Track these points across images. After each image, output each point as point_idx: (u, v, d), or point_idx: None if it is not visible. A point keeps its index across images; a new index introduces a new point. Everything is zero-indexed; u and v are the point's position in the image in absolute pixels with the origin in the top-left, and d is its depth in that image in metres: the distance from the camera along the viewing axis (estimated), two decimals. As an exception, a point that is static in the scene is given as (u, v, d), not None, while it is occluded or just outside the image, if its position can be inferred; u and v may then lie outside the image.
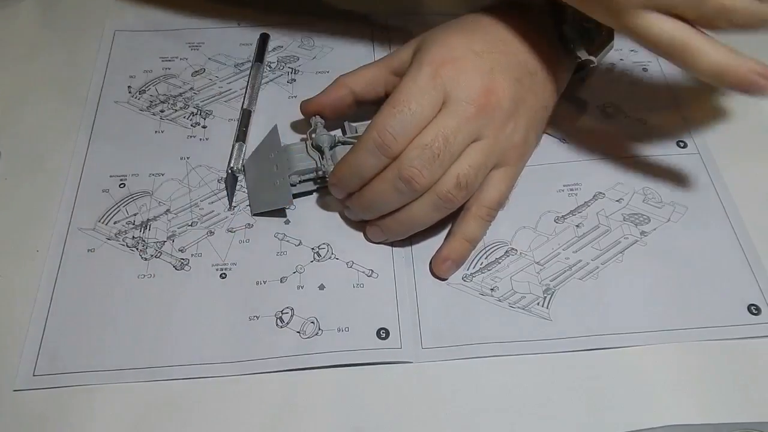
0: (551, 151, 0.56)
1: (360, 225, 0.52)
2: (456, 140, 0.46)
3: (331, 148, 0.52)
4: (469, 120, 0.46)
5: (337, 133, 0.54)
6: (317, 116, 0.54)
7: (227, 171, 0.55)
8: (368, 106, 0.54)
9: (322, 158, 0.52)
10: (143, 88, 0.61)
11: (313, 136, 0.52)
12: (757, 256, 0.50)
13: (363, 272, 0.50)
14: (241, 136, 0.56)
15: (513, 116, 0.49)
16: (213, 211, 0.53)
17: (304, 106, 0.55)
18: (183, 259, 0.51)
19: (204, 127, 0.58)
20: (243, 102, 0.59)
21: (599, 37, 0.53)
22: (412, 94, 0.46)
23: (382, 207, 0.48)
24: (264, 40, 0.64)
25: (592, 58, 0.53)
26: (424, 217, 0.48)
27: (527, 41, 0.50)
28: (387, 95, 0.53)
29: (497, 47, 0.49)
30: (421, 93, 0.46)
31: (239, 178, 0.55)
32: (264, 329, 0.47)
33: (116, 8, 0.67)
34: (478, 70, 0.47)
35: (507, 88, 0.48)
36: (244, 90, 0.60)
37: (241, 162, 0.55)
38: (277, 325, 0.47)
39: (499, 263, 0.50)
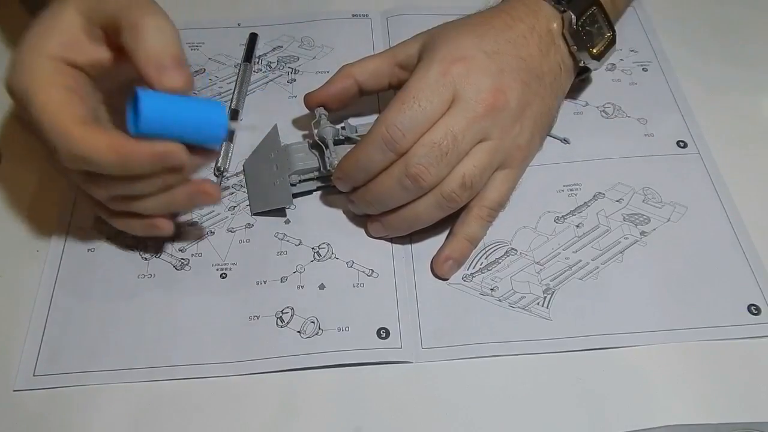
0: (552, 151, 0.56)
1: (360, 224, 0.52)
2: (464, 139, 0.46)
3: (335, 142, 0.52)
4: (478, 119, 0.46)
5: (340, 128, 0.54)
6: (321, 108, 0.54)
7: (214, 171, 0.55)
8: (371, 98, 0.55)
9: (325, 152, 0.51)
10: (143, 88, 0.60)
11: (316, 130, 0.52)
12: (757, 256, 0.50)
13: (363, 272, 0.50)
14: (229, 135, 0.56)
15: (519, 118, 0.49)
16: (213, 211, 0.53)
17: (309, 98, 0.55)
18: (183, 259, 0.51)
19: (204, 127, 0.58)
20: (231, 102, 0.59)
21: (601, 41, 0.53)
22: (422, 91, 0.46)
23: (386, 203, 0.48)
24: (252, 39, 0.64)
25: (594, 62, 0.53)
26: (427, 215, 0.48)
27: (535, 45, 0.50)
28: (390, 87, 0.54)
29: (507, 49, 0.49)
30: (431, 90, 0.46)
31: (239, 179, 0.55)
32: (264, 329, 0.47)
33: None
34: (487, 70, 0.47)
35: (515, 90, 0.48)
36: (232, 90, 0.60)
37: (228, 162, 0.55)
38: (277, 325, 0.47)
39: (499, 263, 0.50)
